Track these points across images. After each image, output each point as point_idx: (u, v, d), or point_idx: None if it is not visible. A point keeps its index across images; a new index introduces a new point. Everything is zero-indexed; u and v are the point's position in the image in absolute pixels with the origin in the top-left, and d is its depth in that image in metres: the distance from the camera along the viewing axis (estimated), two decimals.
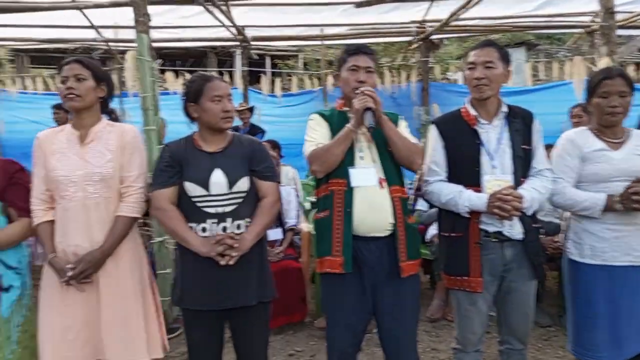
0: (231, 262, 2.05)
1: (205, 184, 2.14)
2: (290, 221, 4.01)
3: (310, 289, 3.99)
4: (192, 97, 2.20)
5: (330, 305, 2.31)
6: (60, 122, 6.15)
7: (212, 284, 2.13)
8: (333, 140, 2.19)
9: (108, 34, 6.73)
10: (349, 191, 2.17)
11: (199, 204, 2.15)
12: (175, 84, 7.44)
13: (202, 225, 2.14)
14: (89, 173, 2.15)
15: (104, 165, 2.18)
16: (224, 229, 2.13)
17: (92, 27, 6.33)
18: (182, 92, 2.27)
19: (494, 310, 2.43)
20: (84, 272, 2.09)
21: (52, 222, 2.18)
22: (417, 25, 6.45)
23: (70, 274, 2.07)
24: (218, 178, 2.15)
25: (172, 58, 10.77)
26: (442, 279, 2.51)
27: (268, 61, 12.25)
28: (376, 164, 2.21)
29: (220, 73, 9.81)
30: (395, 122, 2.30)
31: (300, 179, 5.42)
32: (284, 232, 3.97)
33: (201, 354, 2.28)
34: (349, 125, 2.17)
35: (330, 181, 2.23)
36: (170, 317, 3.71)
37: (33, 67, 11.75)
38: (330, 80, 7.64)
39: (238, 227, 2.16)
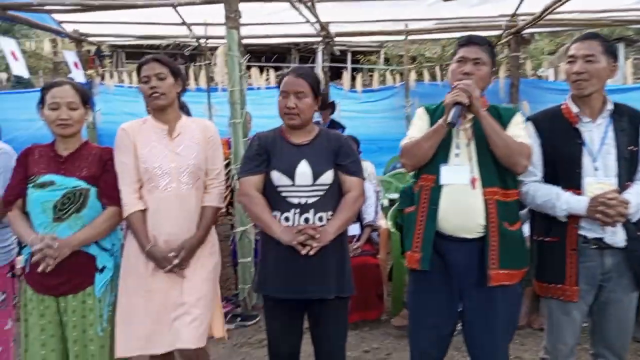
0: (311, 252, 2.06)
1: (291, 174, 2.17)
2: (368, 217, 3.97)
3: (387, 286, 3.95)
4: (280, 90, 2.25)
5: (413, 303, 2.27)
6: None
7: (292, 274, 2.15)
8: (424, 134, 2.13)
9: (199, 30, 7.00)
10: (437, 188, 2.11)
11: (283, 194, 2.18)
12: (260, 79, 7.60)
13: (286, 214, 2.17)
14: (181, 165, 2.26)
15: (194, 158, 2.29)
16: (306, 220, 2.15)
17: (183, 24, 6.62)
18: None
19: (586, 321, 2.27)
20: (185, 259, 2.22)
21: (143, 211, 2.27)
22: (508, 19, 6.17)
23: (176, 261, 2.19)
24: (303, 169, 2.17)
25: (257, 54, 11.03)
26: (530, 284, 2.37)
27: (349, 57, 12.26)
28: (472, 163, 2.10)
29: None
30: (508, 118, 2.16)
31: (378, 175, 5.38)
32: (362, 227, 3.95)
33: (280, 342, 2.32)
34: (440, 121, 2.09)
35: (421, 176, 2.18)
36: (249, 304, 3.81)
37: (128, 63, 12.48)
38: (412, 76, 7.51)
39: (320, 219, 2.17)
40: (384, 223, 4.06)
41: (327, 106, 6.39)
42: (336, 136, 2.33)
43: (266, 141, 2.26)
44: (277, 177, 2.19)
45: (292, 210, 2.16)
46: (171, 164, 2.25)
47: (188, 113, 2.49)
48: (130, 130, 2.31)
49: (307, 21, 6.17)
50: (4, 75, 10.44)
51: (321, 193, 2.18)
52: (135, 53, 12.00)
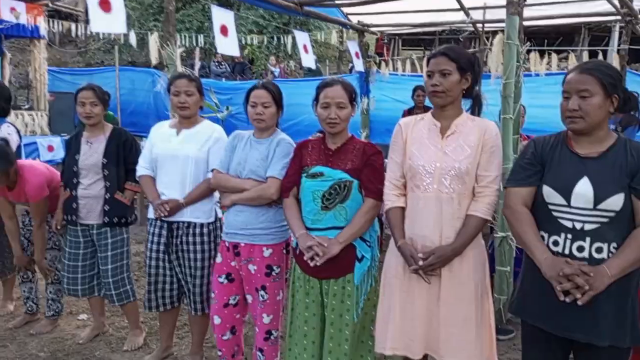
0: (579, 303, 1.71)
1: (566, 193, 1.84)
2: None
3: None
4: None
5: None
6: (418, 103, 6.56)
7: (553, 305, 1.84)
8: None
9: (476, 15, 6.74)
10: None
11: (555, 213, 1.87)
12: (540, 65, 6.91)
13: (554, 237, 1.86)
14: (446, 166, 2.11)
15: (462, 161, 2.10)
16: (580, 248, 1.81)
17: (461, 9, 6.44)
18: None
19: None
20: (433, 266, 2.08)
21: (402, 208, 2.23)
22: None
23: (420, 263, 2.07)
24: (583, 189, 1.81)
25: (538, 36, 10.07)
26: None
27: None
28: None
29: (593, 52, 8.71)
30: None
31: None
32: None
33: None
34: None
35: None
36: (504, 317, 3.53)
37: (404, 49, 12.87)
38: None
39: (598, 250, 1.79)
40: None
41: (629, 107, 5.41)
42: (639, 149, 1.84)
43: (543, 148, 1.96)
44: (549, 194, 1.88)
45: (563, 235, 1.84)
46: (436, 163, 2.12)
47: (479, 107, 2.28)
48: (405, 126, 2.27)
49: None
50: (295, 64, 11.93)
51: (604, 220, 1.79)
52: (412, 40, 12.30)
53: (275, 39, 8.38)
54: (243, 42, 8.41)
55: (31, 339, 3.43)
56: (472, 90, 2.22)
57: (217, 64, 11.13)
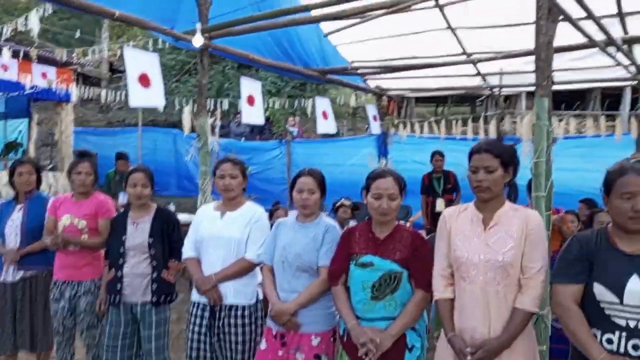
0: None
1: (619, 292, 1.88)
2: None
3: None
4: (605, 189, 1.99)
5: None
6: (436, 167, 6.75)
7: None
8: None
9: (492, 79, 6.96)
10: None
11: (607, 311, 1.91)
12: (558, 127, 7.03)
13: (608, 335, 1.90)
14: (490, 259, 2.15)
15: (506, 253, 2.14)
16: (635, 346, 1.84)
17: (478, 74, 6.65)
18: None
19: None
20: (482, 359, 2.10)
21: (451, 299, 2.26)
22: None
23: (469, 358, 2.09)
24: (635, 287, 1.85)
25: (555, 100, 10.26)
26: None
27: None
28: None
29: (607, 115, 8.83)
30: None
31: None
32: None
33: None
34: None
35: None
36: None
37: (417, 106, 13.11)
38: None
39: None
40: None
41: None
42: None
43: (588, 246, 2.01)
44: (600, 292, 1.92)
45: (617, 333, 1.88)
46: (480, 255, 2.17)
47: (515, 194, 2.35)
48: (449, 217, 2.33)
49: (618, 64, 5.51)
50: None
51: None
52: (425, 98, 12.55)
53: (296, 100, 8.61)
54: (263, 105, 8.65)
55: None
56: (511, 180, 2.29)
57: (237, 124, 11.41)
